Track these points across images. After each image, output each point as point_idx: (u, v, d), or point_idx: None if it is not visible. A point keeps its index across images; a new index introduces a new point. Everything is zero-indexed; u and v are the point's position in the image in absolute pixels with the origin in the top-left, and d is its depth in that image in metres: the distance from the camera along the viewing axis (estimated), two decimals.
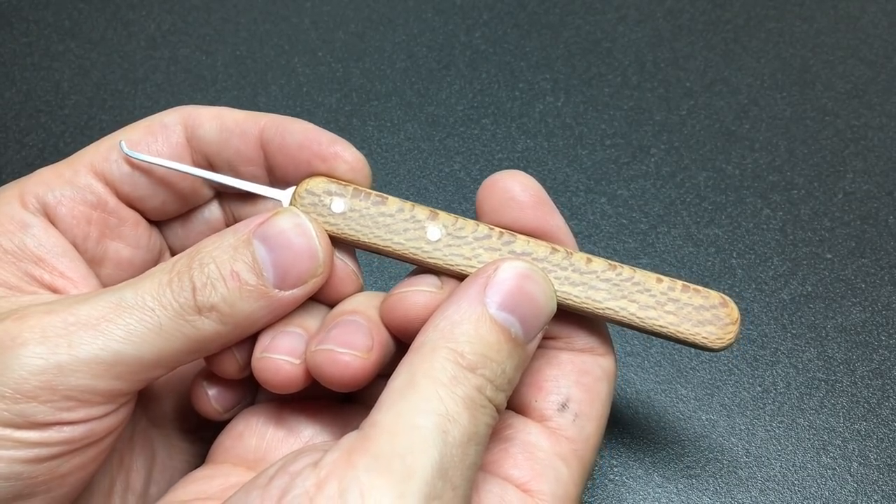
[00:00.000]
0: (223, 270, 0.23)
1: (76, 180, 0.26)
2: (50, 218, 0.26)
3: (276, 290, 0.24)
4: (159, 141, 0.27)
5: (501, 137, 0.46)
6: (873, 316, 0.38)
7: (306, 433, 0.26)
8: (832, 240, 0.41)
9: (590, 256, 0.25)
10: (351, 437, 0.20)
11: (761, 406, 0.36)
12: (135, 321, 0.22)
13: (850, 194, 0.43)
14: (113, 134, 0.27)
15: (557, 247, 0.26)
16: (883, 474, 0.34)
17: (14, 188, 0.26)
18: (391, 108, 0.48)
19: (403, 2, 0.54)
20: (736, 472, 0.34)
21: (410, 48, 0.51)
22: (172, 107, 0.28)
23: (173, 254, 0.30)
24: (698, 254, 0.41)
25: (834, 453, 0.34)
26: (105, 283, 0.27)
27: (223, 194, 0.29)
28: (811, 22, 0.52)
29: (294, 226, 0.24)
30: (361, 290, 0.27)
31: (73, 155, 0.27)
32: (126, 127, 0.27)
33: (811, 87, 0.48)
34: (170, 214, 0.29)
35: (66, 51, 0.51)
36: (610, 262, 0.25)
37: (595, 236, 0.42)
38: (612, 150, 0.45)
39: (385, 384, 0.21)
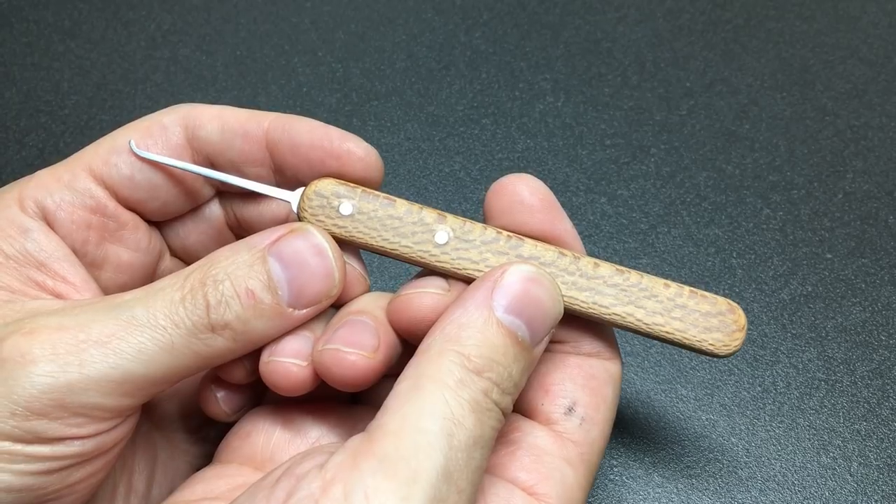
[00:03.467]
0: (238, 288, 0.23)
1: (75, 184, 0.26)
2: (49, 222, 0.25)
3: (290, 310, 0.24)
4: (158, 143, 0.26)
5: (501, 137, 0.46)
6: (873, 316, 0.38)
7: (313, 434, 0.26)
8: (832, 240, 0.41)
9: (597, 261, 0.25)
10: (356, 440, 0.20)
11: (761, 406, 0.36)
12: (146, 339, 0.22)
13: (850, 194, 0.43)
14: (110, 135, 0.26)
15: (565, 251, 0.25)
16: (883, 474, 0.34)
17: (12, 192, 0.25)
18: (391, 108, 0.48)
19: (403, 2, 0.54)
20: (736, 472, 0.34)
21: (410, 48, 0.51)
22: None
23: (173, 254, 0.30)
24: (698, 254, 0.41)
25: (834, 453, 0.34)
26: (104, 287, 0.26)
27: (224, 193, 0.29)
28: (811, 22, 0.52)
29: (311, 245, 0.24)
30: (368, 291, 0.27)
31: (71, 157, 0.26)
32: (123, 127, 0.27)
33: (811, 87, 0.48)
34: (170, 215, 0.28)
35: (66, 51, 0.51)
36: (618, 267, 0.25)
37: (595, 236, 0.42)
38: (612, 150, 0.45)
39: (392, 385, 0.21)
